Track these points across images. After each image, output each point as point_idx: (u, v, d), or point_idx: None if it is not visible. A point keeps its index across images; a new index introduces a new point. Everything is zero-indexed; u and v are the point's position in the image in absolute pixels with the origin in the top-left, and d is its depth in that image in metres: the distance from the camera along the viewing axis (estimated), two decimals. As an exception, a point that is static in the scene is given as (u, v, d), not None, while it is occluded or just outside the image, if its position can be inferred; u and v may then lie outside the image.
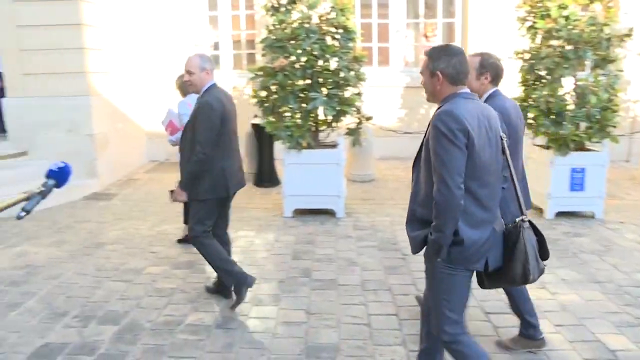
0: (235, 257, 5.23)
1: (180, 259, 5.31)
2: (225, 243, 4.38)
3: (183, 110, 4.98)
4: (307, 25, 6.35)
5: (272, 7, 6.59)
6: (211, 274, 4.83)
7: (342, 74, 6.43)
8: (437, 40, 10.42)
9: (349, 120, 6.84)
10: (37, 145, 8.03)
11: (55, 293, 4.59)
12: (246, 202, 7.35)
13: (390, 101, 10.06)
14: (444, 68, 2.52)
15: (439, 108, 2.52)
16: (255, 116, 8.14)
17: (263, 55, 6.71)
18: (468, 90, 2.60)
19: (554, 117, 6.19)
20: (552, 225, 6.24)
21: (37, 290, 4.65)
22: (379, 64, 10.33)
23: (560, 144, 6.23)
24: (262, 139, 8.04)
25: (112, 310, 4.21)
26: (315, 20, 6.47)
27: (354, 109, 6.60)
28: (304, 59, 6.33)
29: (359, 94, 6.68)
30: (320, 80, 6.43)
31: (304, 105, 6.43)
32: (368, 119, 6.83)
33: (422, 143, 2.61)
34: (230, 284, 4.21)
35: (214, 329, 3.89)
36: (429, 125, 2.51)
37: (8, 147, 8.10)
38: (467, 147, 2.39)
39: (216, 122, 3.93)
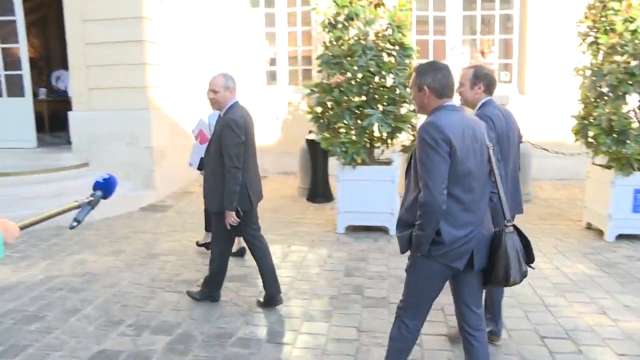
0: (288, 271, 5.29)
1: (232, 272, 5.32)
2: (260, 248, 4.47)
3: (214, 121, 4.91)
4: (363, 42, 6.36)
5: (330, 24, 6.63)
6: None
7: (398, 91, 6.40)
8: (494, 57, 10.26)
9: (403, 137, 6.80)
10: (99, 156, 8.31)
11: (112, 301, 4.69)
12: (300, 217, 7.37)
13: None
14: (430, 83, 2.72)
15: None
16: (310, 132, 8.18)
17: (319, 71, 6.75)
18: (454, 103, 2.76)
19: (616, 135, 5.97)
20: (612, 248, 6.00)
21: (95, 297, 4.78)
22: (434, 80, 10.20)
23: (623, 164, 5.99)
24: (317, 154, 8.07)
25: (165, 321, 4.27)
26: (371, 37, 6.48)
27: (409, 126, 6.55)
28: (360, 75, 6.34)
29: (414, 111, 6.61)
30: (376, 96, 6.41)
31: (359, 121, 6.42)
32: (423, 136, 6.72)
33: (411, 153, 2.76)
34: (206, 284, 4.58)
35: (265, 343, 3.88)
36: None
37: (72, 158, 8.43)
38: (449, 155, 2.57)
39: (242, 137, 4.11)
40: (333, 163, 7.15)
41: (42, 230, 6.87)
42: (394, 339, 2.94)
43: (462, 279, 2.84)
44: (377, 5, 6.68)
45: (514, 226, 2.78)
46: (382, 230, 6.62)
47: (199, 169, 5.56)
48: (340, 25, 6.54)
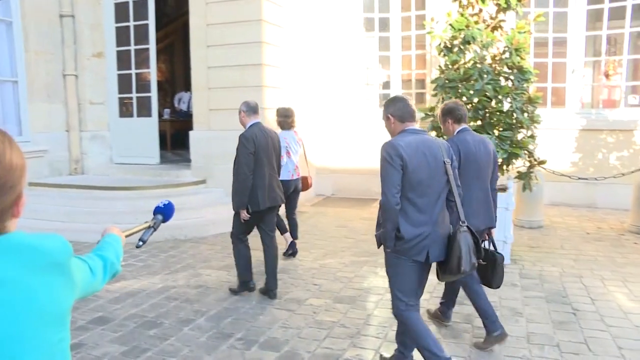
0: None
1: (342, 293, 5.32)
2: (268, 247, 5.33)
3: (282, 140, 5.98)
4: (480, 66, 6.20)
5: (445, 47, 6.54)
6: (371, 310, 4.82)
7: (515, 116, 6.16)
8: (620, 79, 9.66)
9: (520, 164, 6.55)
10: (215, 174, 8.68)
11: (223, 314, 4.81)
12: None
13: (564, 144, 9.44)
14: (393, 112, 3.44)
15: None
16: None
17: (434, 95, 6.66)
18: (415, 127, 3.42)
19: None
20: None
21: (207, 309, 4.93)
22: (552, 105, 9.79)
23: None
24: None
25: (274, 337, 4.30)
26: (488, 60, 6.31)
27: (526, 152, 6.28)
28: (476, 99, 6.17)
29: (532, 137, 6.34)
30: (492, 121, 6.20)
31: (473, 146, 6.24)
32: (541, 163, 6.45)
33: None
34: (238, 281, 5.36)
35: (371, 368, 3.82)
36: None
37: (190, 175, 8.89)
38: (402, 167, 3.22)
39: (251, 149, 4.95)
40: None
41: (161, 242, 7.27)
42: (409, 327, 3.47)
43: (424, 270, 3.48)
44: (494, 28, 6.52)
45: (468, 227, 3.38)
46: (494, 259, 6.34)
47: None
48: (456, 49, 6.43)
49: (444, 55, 6.56)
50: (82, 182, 8.93)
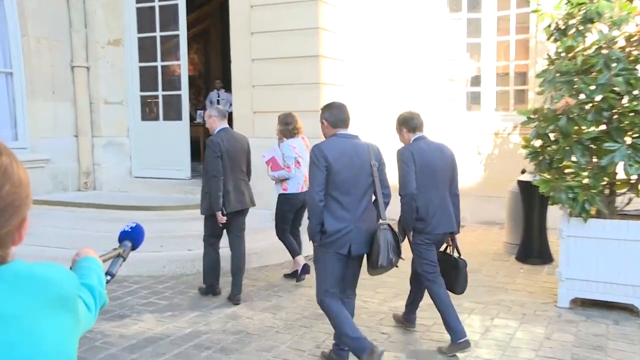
0: (489, 352, 5.05)
1: (417, 346, 5.23)
2: (235, 248, 6.58)
3: (287, 152, 6.99)
4: (606, 52, 5.91)
5: (557, 29, 6.33)
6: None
7: (656, 118, 5.85)
8: None
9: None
10: (260, 192, 8.42)
11: (268, 369, 4.76)
12: (506, 281, 7.07)
13: None
14: (327, 117, 4.68)
15: None
16: (524, 171, 7.89)
17: (539, 92, 6.45)
18: (345, 132, 4.69)
19: None
20: None
21: (248, 362, 4.90)
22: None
23: None
24: (532, 200, 7.76)
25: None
26: (620, 43, 6.02)
27: (669, 166, 5.96)
28: (599, 97, 5.90)
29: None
30: (623, 125, 5.89)
31: (595, 159, 5.99)
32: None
33: None
34: (204, 284, 6.71)
35: None
36: None
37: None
38: (326, 168, 4.42)
39: (218, 153, 6.28)
40: (554, 213, 6.84)
41: (190, 276, 7.33)
42: (328, 313, 4.63)
43: (349, 263, 4.64)
44: (632, -2, 6.22)
45: (388, 224, 4.56)
46: (628, 309, 6.04)
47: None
48: (572, 31, 6.21)
49: (555, 40, 6.36)
50: (93, 199, 9.11)
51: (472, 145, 10.05)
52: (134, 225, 2.35)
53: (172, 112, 10.01)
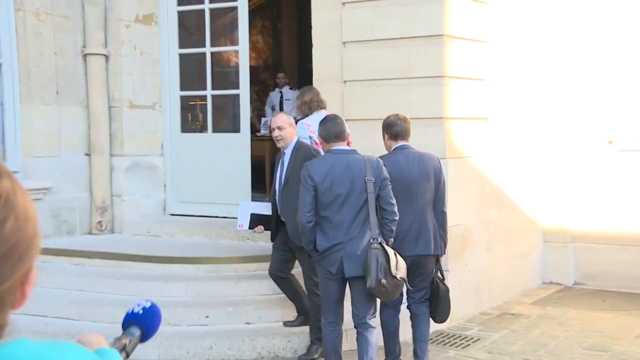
0: None
1: None
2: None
3: (300, 132, 7.60)
4: None
5: None
6: None
7: None
8: None
9: None
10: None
11: None
12: None
13: None
14: (319, 132, 6.14)
15: None
16: None
17: None
18: (341, 147, 6.00)
19: None
20: None
21: None
22: None
23: None
24: None
25: None
26: None
27: None
28: None
29: None
30: None
31: None
32: None
33: None
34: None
35: None
36: None
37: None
38: (314, 188, 5.83)
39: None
40: None
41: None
42: (323, 338, 6.28)
43: (351, 286, 6.02)
44: None
45: (380, 243, 5.79)
46: None
47: (250, 227, 7.87)
48: None
49: None
50: (111, 247, 9.06)
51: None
52: (147, 305, 2.30)
53: (226, 120, 9.90)
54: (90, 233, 9.81)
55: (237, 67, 9.79)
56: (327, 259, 5.85)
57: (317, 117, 7.49)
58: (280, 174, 7.21)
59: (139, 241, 9.42)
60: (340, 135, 5.87)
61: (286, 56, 16.23)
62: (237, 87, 9.71)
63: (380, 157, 6.26)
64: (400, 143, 6.37)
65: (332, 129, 5.89)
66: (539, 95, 10.33)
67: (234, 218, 9.36)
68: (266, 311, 6.81)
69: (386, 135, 6.49)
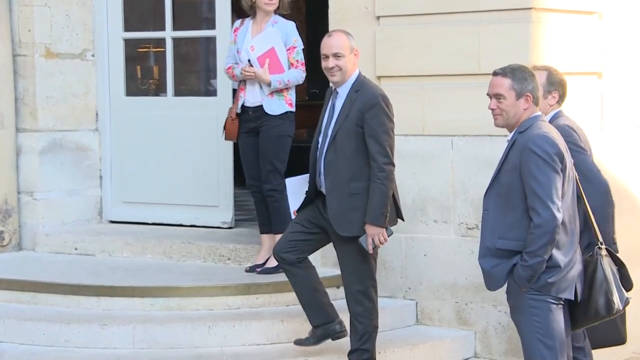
0: None
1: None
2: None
3: (296, 35, 8.65)
4: None
5: None
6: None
7: None
8: None
9: None
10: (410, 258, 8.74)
11: None
12: None
13: None
14: (532, 89, 5.92)
15: (521, 132, 5.80)
16: None
17: None
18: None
19: None
20: None
21: None
22: None
23: None
24: None
25: None
26: None
27: None
28: None
29: None
30: None
31: None
32: None
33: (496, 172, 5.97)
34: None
35: None
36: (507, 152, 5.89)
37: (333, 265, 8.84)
38: (562, 171, 5.66)
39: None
40: None
41: None
42: None
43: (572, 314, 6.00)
44: None
45: (607, 249, 5.92)
46: None
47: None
48: None
49: None
50: (17, 271, 9.14)
51: None
52: None
53: (195, 78, 9.87)
54: (-12, 251, 9.76)
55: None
56: (564, 280, 5.55)
57: None
58: (327, 123, 7.06)
59: (61, 262, 9.41)
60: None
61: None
62: (213, 27, 9.73)
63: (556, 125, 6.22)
64: (559, 109, 6.56)
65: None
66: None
67: (208, 227, 9.38)
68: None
69: (556, 96, 6.63)
